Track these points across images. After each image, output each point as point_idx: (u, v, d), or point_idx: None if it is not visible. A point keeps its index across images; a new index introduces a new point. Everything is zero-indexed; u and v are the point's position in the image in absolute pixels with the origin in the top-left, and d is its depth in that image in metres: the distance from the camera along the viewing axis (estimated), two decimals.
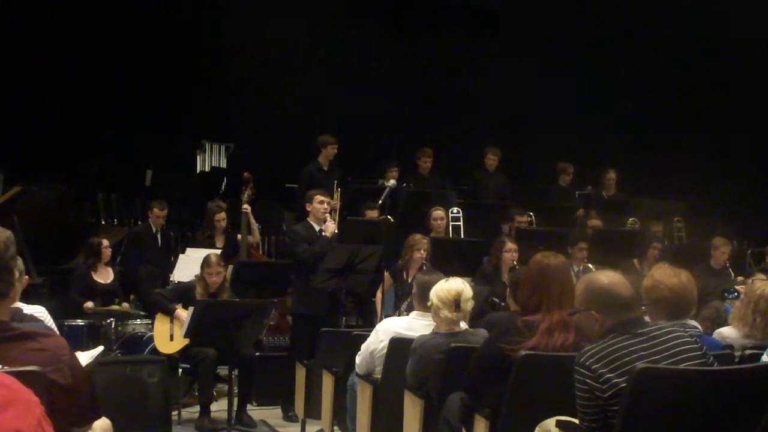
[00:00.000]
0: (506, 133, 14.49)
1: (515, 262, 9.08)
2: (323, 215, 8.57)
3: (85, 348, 5.84)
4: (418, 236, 9.14)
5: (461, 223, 11.05)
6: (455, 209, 11.13)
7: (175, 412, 7.92)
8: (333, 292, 8.45)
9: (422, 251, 8.88)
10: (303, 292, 8.46)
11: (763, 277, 6.71)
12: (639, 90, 15.28)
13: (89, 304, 8.93)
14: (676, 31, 15.14)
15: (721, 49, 14.87)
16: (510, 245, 9.30)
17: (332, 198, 10.11)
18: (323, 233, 8.50)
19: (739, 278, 9.94)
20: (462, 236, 10.90)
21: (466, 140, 14.01)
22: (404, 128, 15.19)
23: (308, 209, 8.65)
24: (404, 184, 11.91)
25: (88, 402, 3.13)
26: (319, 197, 8.57)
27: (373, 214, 10.53)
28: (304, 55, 14.40)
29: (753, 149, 14.79)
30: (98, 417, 3.24)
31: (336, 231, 8.72)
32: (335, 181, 10.86)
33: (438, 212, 10.46)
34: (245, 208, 10.12)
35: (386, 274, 9.00)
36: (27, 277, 4.26)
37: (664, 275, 4.78)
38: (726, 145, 14.79)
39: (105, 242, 9.52)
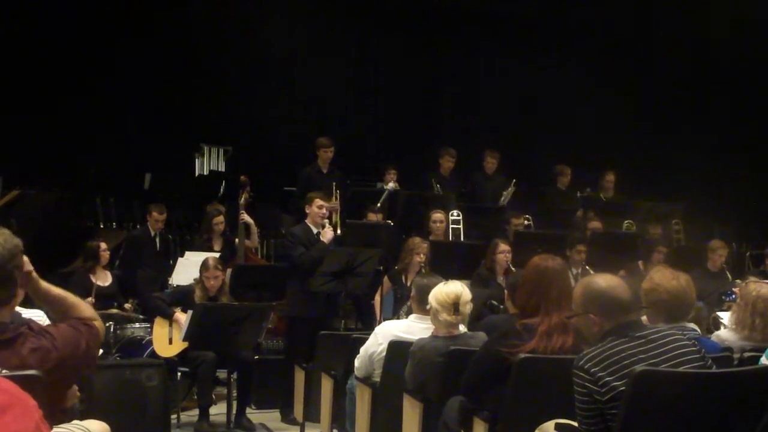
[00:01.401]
0: (505, 136, 14.50)
1: (509, 264, 9.08)
2: (322, 220, 8.58)
3: None
4: (417, 240, 9.14)
5: (461, 226, 11.04)
6: (455, 212, 11.11)
7: (174, 416, 7.93)
8: (329, 295, 8.46)
9: (421, 255, 8.87)
10: (299, 295, 8.44)
11: (756, 279, 6.71)
12: (638, 92, 15.28)
13: (89, 300, 8.95)
14: (675, 33, 15.14)
15: (720, 51, 14.87)
16: (503, 246, 9.28)
17: (332, 199, 10.18)
18: (321, 238, 8.49)
19: (737, 281, 9.96)
20: (462, 239, 10.89)
21: (464, 143, 14.00)
22: (403, 131, 15.18)
23: (307, 211, 8.66)
24: (435, 181, 12.00)
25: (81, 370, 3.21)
26: (319, 201, 8.57)
27: (374, 217, 10.55)
28: (302, 58, 14.40)
29: (752, 151, 14.78)
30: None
31: (333, 236, 8.68)
32: (334, 183, 10.87)
33: (438, 215, 10.44)
34: (242, 219, 10.14)
35: (385, 277, 9.01)
36: None
37: (663, 278, 4.78)
38: (725, 147, 14.78)
39: (103, 245, 9.52)
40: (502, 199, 12.14)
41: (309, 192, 9.14)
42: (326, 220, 8.62)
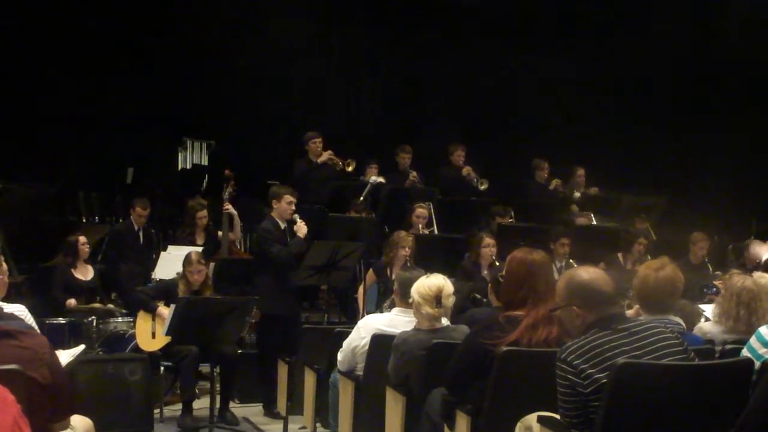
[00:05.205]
0: (482, 129, 14.54)
1: (494, 257, 9.09)
2: (290, 215, 8.48)
3: (66, 346, 5.82)
4: (403, 233, 9.05)
5: (433, 215, 11.03)
6: (426, 203, 11.09)
7: (157, 410, 7.91)
8: (301, 292, 8.45)
9: (407, 249, 8.83)
10: (270, 292, 8.29)
11: (740, 271, 6.76)
12: (621, 87, 15.30)
13: (71, 302, 8.92)
14: (661, 27, 15.15)
15: (704, 47, 14.90)
16: (488, 240, 9.29)
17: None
18: (296, 234, 8.41)
19: (717, 272, 10.00)
20: (435, 229, 10.86)
21: (440, 137, 13.97)
22: (385, 125, 15.18)
23: (274, 206, 8.55)
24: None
25: (66, 399, 3.12)
26: (289, 197, 8.46)
27: (355, 214, 10.55)
28: (285, 53, 14.36)
29: (734, 145, 14.82)
30: (74, 413, 3.24)
31: (306, 230, 8.59)
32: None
33: (422, 210, 10.42)
34: (227, 209, 10.09)
35: (370, 271, 8.99)
36: (1, 276, 4.23)
37: (648, 271, 4.80)
38: (707, 141, 14.81)
39: (82, 239, 9.48)
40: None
41: (285, 186, 9.05)
42: (296, 215, 8.54)
